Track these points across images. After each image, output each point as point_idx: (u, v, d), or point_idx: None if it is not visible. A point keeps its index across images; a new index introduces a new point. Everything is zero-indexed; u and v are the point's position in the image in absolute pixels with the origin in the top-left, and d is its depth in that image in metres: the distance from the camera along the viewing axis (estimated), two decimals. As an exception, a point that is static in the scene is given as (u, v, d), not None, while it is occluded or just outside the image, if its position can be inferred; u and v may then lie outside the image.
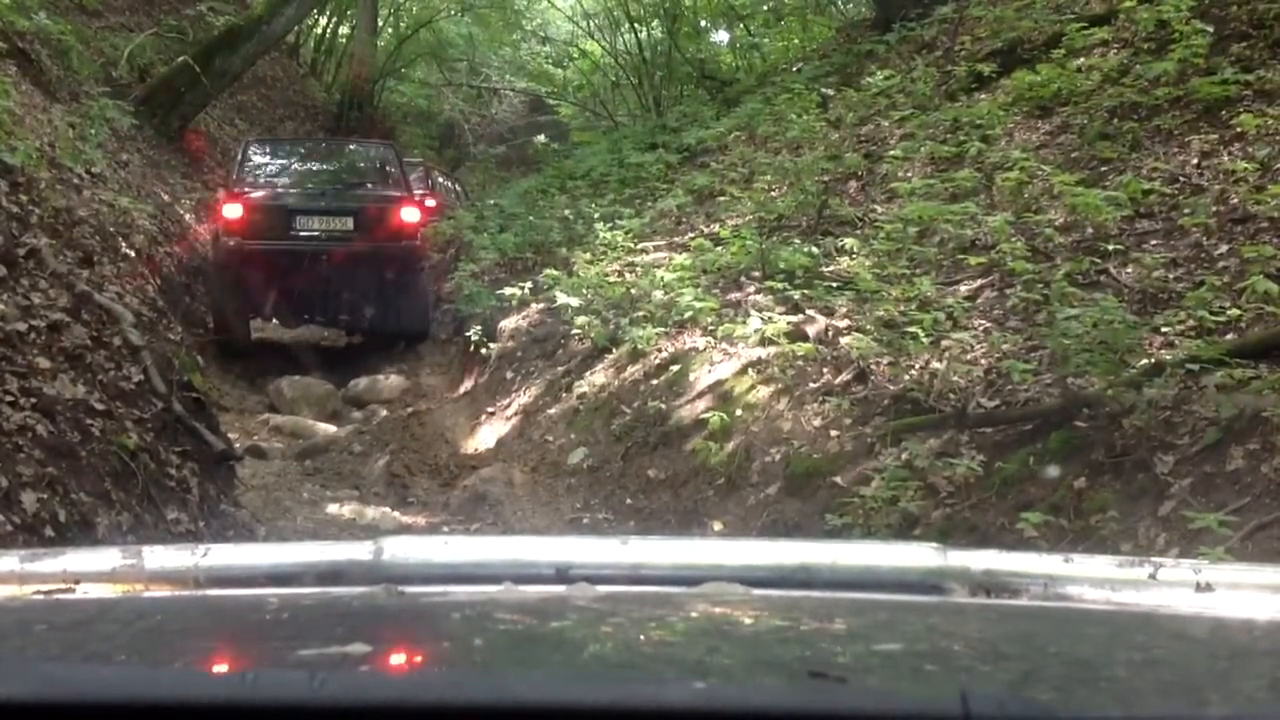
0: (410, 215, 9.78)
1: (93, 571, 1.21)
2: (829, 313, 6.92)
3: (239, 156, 10.61)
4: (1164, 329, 5.25)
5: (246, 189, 9.77)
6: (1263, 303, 5.08)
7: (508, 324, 9.85)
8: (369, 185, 10.39)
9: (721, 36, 18.87)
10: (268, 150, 10.99)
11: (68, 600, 1.16)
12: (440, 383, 10.67)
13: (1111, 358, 5.00)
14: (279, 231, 9.50)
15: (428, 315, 10.31)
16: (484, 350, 9.56)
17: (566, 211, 11.68)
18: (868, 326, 6.40)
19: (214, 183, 12.92)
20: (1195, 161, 6.73)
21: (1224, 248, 5.81)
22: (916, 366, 5.95)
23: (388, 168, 10.61)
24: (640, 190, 12.09)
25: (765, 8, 18.27)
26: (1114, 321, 5.11)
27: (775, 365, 6.58)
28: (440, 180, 15.83)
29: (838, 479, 5.44)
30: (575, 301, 8.61)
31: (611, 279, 8.94)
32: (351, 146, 12.14)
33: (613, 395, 7.70)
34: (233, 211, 9.49)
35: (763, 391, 6.50)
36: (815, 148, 9.94)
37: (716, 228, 9.32)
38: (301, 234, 9.63)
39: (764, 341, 6.80)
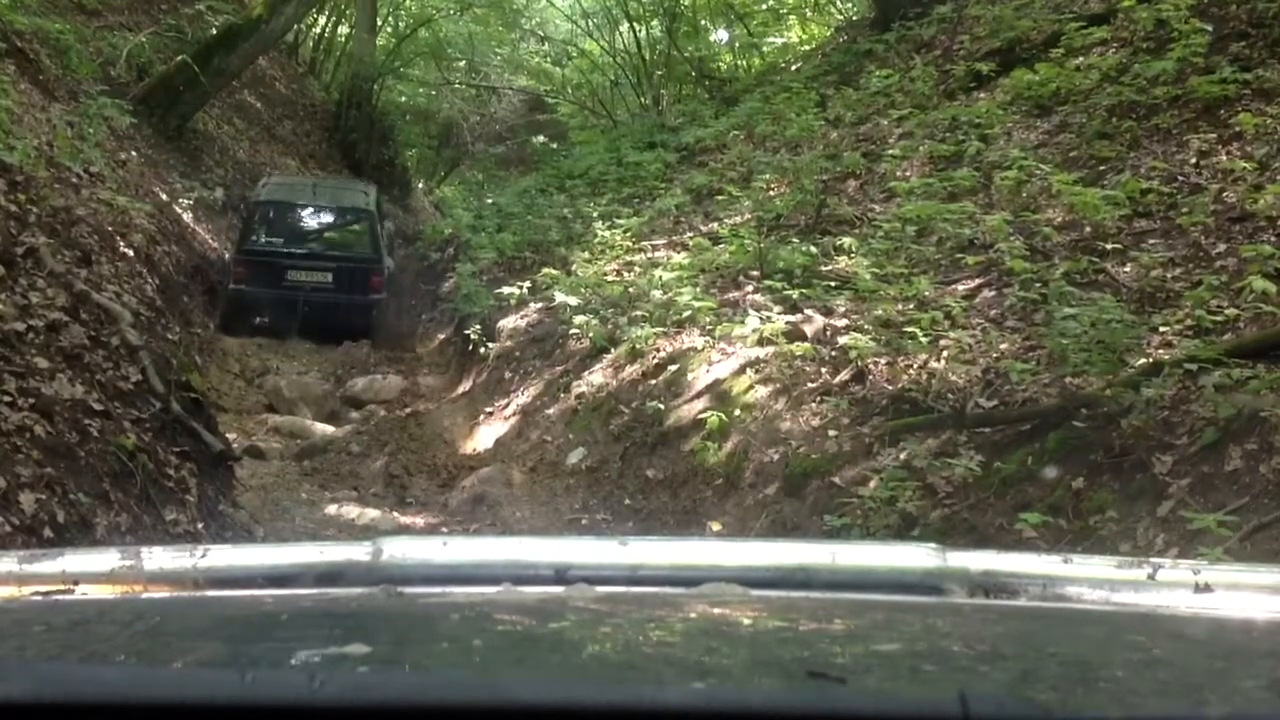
0: (376, 275, 12.31)
1: (91, 572, 1.21)
2: (827, 312, 6.91)
3: (246, 216, 12.61)
4: (1162, 328, 5.26)
5: (251, 247, 12.14)
6: (1260, 302, 5.08)
7: (506, 323, 9.85)
8: (347, 248, 12.82)
9: (721, 36, 18.83)
10: (270, 211, 12.68)
11: (66, 601, 1.16)
12: (438, 383, 10.68)
13: (1110, 357, 5.00)
14: (274, 281, 11.94)
15: (369, 325, 12.37)
16: (482, 350, 9.56)
17: (565, 211, 11.69)
18: (866, 326, 6.40)
19: (213, 182, 13.03)
20: (1194, 160, 6.73)
21: (1222, 247, 5.81)
22: (915, 366, 5.95)
23: (365, 235, 12.76)
24: (639, 189, 12.09)
25: (764, 7, 18.24)
26: (1112, 321, 5.11)
27: (773, 365, 6.58)
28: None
29: (836, 479, 5.44)
30: (574, 301, 8.61)
31: (610, 278, 8.94)
32: (333, 219, 13.46)
33: (611, 395, 7.70)
34: (239, 265, 12.07)
35: (761, 391, 6.50)
36: (814, 147, 9.95)
37: (715, 227, 9.33)
38: (292, 282, 12.05)
39: (762, 341, 6.80)
